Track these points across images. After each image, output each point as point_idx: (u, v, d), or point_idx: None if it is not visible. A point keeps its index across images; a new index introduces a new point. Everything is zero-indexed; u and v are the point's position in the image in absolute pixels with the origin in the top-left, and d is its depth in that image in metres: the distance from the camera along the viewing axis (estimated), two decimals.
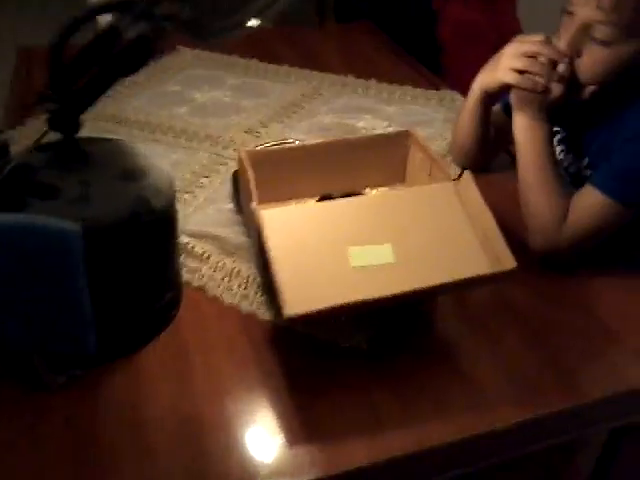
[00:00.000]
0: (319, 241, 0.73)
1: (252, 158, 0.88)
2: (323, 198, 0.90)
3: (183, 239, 0.93)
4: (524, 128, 0.92)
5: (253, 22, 0.61)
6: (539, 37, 0.89)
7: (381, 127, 1.29)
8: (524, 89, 0.89)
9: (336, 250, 0.73)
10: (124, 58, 0.65)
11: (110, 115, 1.30)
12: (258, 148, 1.01)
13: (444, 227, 0.76)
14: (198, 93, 1.40)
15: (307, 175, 0.94)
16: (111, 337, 0.73)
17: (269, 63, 1.56)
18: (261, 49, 1.64)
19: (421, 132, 1.26)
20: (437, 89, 1.45)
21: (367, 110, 1.35)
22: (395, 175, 0.99)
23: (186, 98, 1.37)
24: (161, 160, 1.14)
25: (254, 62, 1.55)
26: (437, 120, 1.32)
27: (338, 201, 0.79)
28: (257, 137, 1.23)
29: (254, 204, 0.74)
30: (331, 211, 0.78)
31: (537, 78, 0.88)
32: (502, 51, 0.92)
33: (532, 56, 0.88)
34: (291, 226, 0.74)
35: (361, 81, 1.47)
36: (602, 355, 0.80)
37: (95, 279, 0.67)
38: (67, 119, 0.65)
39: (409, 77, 1.51)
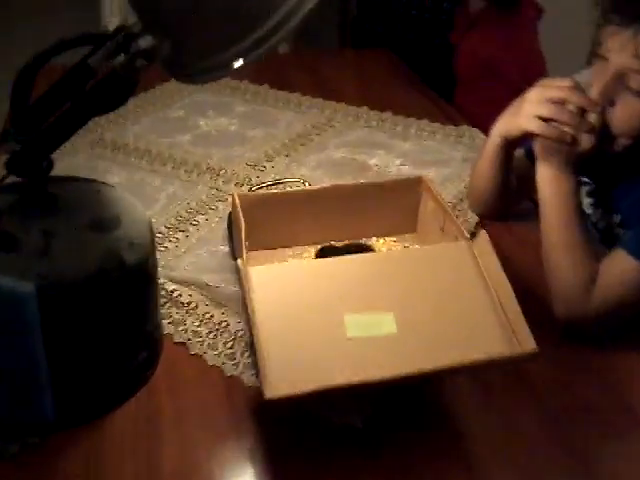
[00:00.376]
0: (312, 305, 0.65)
1: (246, 203, 0.80)
2: (323, 251, 0.82)
3: (169, 286, 0.85)
4: (549, 181, 0.83)
5: (239, 63, 0.54)
6: (567, 82, 0.80)
7: (394, 165, 1.21)
8: (550, 139, 0.81)
9: (331, 317, 0.64)
10: (96, 95, 0.57)
11: (109, 141, 1.23)
12: (255, 189, 0.93)
13: (455, 295, 0.68)
14: (203, 120, 1.33)
15: (307, 221, 0.86)
16: (73, 402, 0.65)
17: (280, 90, 1.49)
18: (273, 74, 1.57)
19: (437, 172, 1.18)
20: (456, 125, 1.37)
21: (380, 145, 1.27)
22: (405, 224, 0.91)
23: (190, 125, 1.31)
24: (157, 194, 1.08)
25: (264, 88, 1.49)
26: (455, 160, 1.23)
27: (337, 259, 0.71)
28: (261, 172, 1.15)
29: (240, 261, 0.66)
30: (328, 270, 0.69)
31: (565, 128, 0.79)
32: (525, 95, 0.83)
33: (559, 103, 0.80)
34: (281, 286, 0.66)
35: (376, 113, 1.40)
36: (630, 446, 0.70)
37: (55, 339, 0.59)
38: (30, 161, 0.58)
39: (426, 110, 1.44)
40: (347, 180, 1.14)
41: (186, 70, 0.56)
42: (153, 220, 0.99)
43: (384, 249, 0.89)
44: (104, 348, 0.64)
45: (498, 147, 0.91)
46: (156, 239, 0.95)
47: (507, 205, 1.03)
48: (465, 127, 1.35)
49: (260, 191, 0.86)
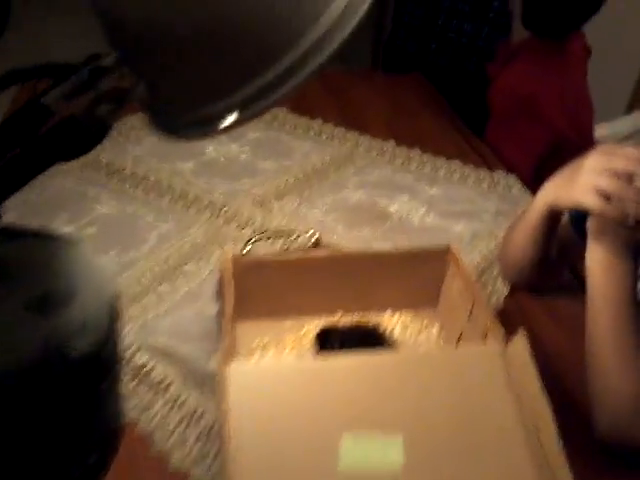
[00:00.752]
0: (300, 423, 0.52)
1: (240, 267, 0.67)
2: (323, 332, 0.69)
3: (140, 357, 0.72)
4: (601, 265, 0.69)
5: (232, 118, 0.41)
6: (635, 152, 0.66)
7: (418, 213, 1.07)
8: (609, 218, 0.67)
9: (323, 438, 0.51)
10: (51, 143, 0.45)
11: (105, 163, 1.12)
12: (254, 240, 0.80)
13: (482, 417, 0.54)
14: (211, 145, 1.21)
15: (311, 289, 0.74)
16: None
17: (301, 115, 1.36)
18: (294, 96, 1.45)
19: (466, 226, 1.05)
20: (490, 169, 1.23)
21: (405, 188, 1.14)
22: (425, 297, 0.78)
23: (196, 150, 1.19)
24: (147, 232, 0.96)
25: (283, 112, 1.36)
26: (487, 212, 1.09)
27: (336, 360, 0.58)
28: (268, 212, 1.03)
29: (219, 362, 0.53)
30: (324, 373, 0.56)
31: (629, 207, 0.65)
32: (583, 162, 0.69)
33: (624, 175, 0.66)
34: (264, 394, 0.53)
35: (402, 149, 1.26)
36: None
37: None
38: None
39: (458, 149, 1.30)
40: (362, 229, 1.01)
41: (166, 121, 0.44)
42: (140, 262, 0.87)
43: (398, 328, 0.75)
44: (39, 459, 0.51)
45: (543, 216, 0.77)
46: (137, 291, 0.83)
47: (544, 277, 0.88)
48: (501, 174, 1.21)
49: (256, 255, 0.73)
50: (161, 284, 0.85)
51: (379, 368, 0.56)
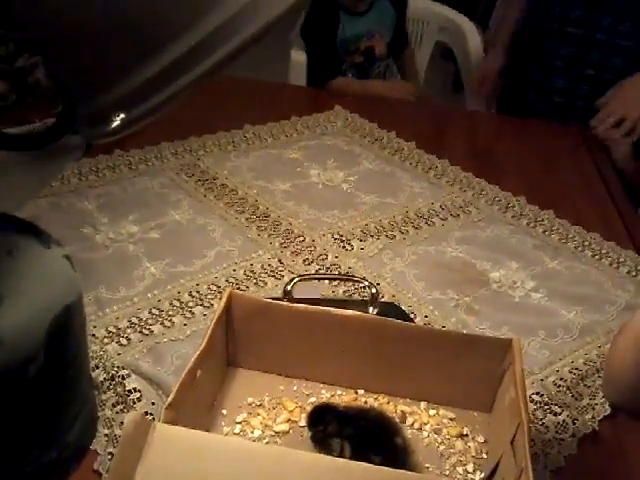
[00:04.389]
0: None
1: (246, 309, 0.57)
2: (317, 412, 0.56)
3: (130, 383, 0.65)
4: None
5: (120, 118, 0.31)
6: None
7: (523, 287, 0.88)
8: None
9: None
10: None
11: (200, 170, 1.07)
12: (297, 280, 0.69)
13: None
14: (317, 169, 1.12)
15: (334, 355, 0.61)
16: None
17: (431, 152, 1.22)
18: (435, 129, 1.33)
19: (582, 315, 0.84)
20: (638, 253, 0.99)
21: (518, 255, 0.95)
22: (477, 398, 0.61)
23: (297, 172, 1.10)
24: (209, 249, 0.88)
25: (410, 147, 1.23)
26: (614, 305, 0.87)
27: (298, 455, 0.44)
28: (344, 250, 0.91)
29: (134, 417, 0.43)
30: (262, 463, 0.43)
31: None
32: None
33: None
34: (179, 470, 0.42)
35: (533, 209, 1.07)
36: None
37: None
38: None
39: (604, 220, 1.07)
40: (447, 291, 0.85)
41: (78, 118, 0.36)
42: (185, 278, 0.81)
43: (428, 427, 0.59)
44: None
45: None
46: (165, 309, 0.76)
47: None
48: None
49: (267, 299, 0.62)
50: (195, 306, 0.77)
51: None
